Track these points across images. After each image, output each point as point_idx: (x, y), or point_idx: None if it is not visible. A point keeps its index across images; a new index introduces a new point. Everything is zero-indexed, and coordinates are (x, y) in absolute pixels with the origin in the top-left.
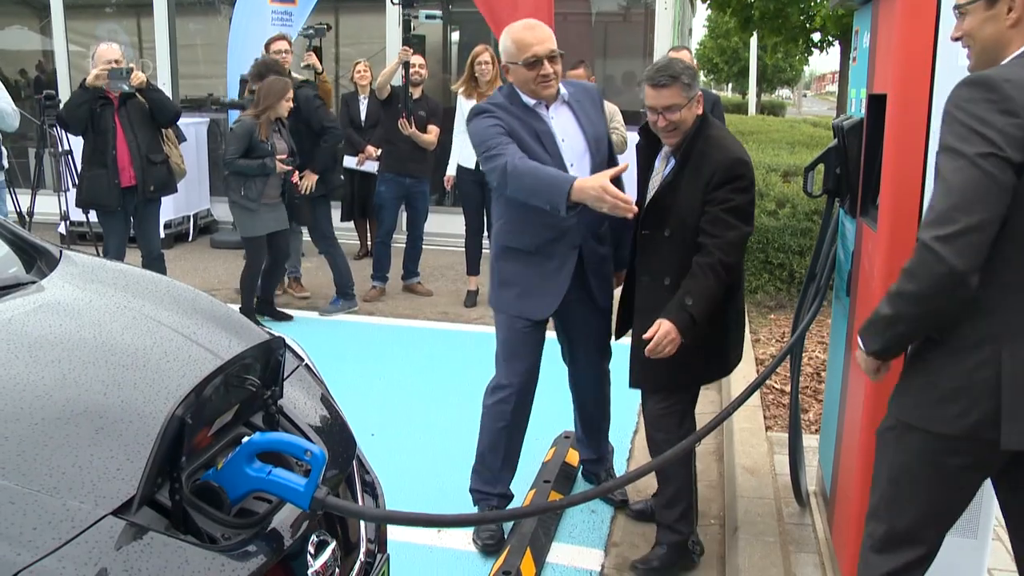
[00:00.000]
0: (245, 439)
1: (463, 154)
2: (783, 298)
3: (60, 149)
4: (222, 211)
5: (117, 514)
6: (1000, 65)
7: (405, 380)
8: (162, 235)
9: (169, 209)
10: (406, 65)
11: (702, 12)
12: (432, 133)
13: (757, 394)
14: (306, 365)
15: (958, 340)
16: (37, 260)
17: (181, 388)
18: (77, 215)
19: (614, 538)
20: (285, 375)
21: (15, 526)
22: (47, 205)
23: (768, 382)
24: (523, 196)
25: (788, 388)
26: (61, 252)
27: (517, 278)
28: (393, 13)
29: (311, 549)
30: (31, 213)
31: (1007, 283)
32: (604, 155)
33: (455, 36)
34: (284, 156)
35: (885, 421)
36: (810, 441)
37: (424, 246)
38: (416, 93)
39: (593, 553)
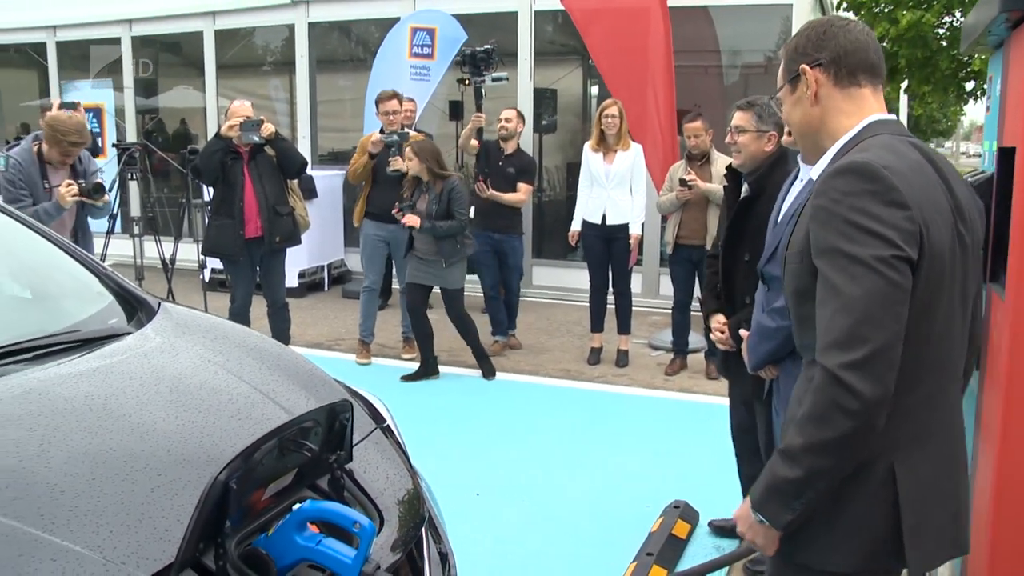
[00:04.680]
0: (296, 507)
1: (587, 209)
2: None
3: (203, 200)
4: (355, 261)
5: None
6: (866, 151)
7: (519, 438)
8: (296, 284)
9: (303, 259)
10: (480, 131)
11: None
12: (522, 191)
13: None
14: (386, 427)
15: None
16: (138, 311)
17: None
18: (217, 263)
19: None
20: (360, 438)
21: None
22: (191, 252)
23: None
24: None
25: None
26: (159, 304)
27: None
28: (525, 68)
29: None
30: (173, 260)
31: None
32: None
33: (595, 90)
34: (416, 216)
35: (775, 565)
36: None
37: (549, 301)
38: (509, 148)
39: None
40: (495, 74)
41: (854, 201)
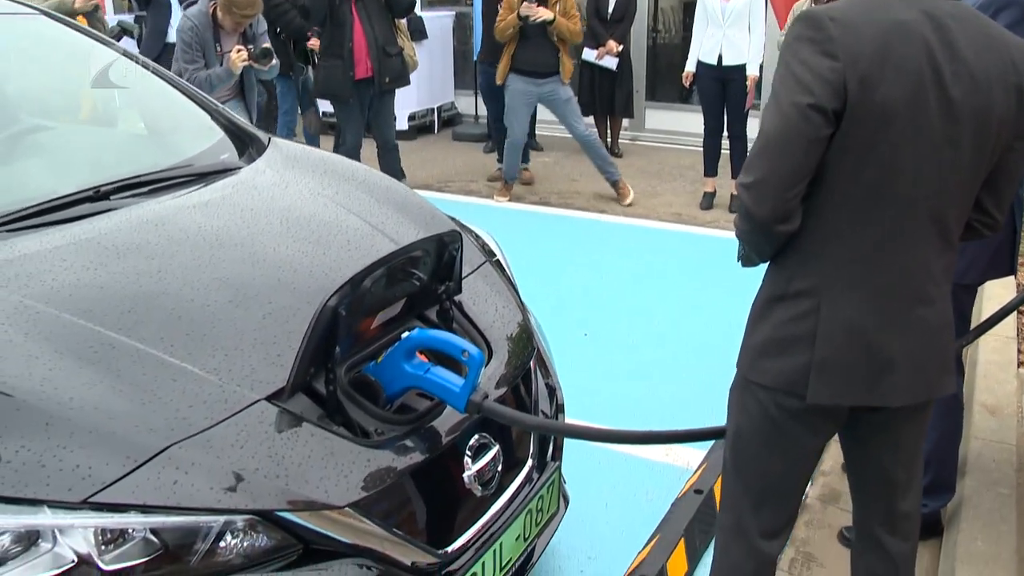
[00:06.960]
0: (404, 335)
1: (703, 49)
2: None
3: None
4: (465, 104)
5: (271, 400)
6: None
7: (630, 281)
8: (406, 127)
9: (413, 101)
10: None
11: None
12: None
13: (1014, 326)
14: (496, 262)
15: (785, 291)
16: (249, 146)
17: None
18: (327, 106)
19: (823, 466)
20: (470, 271)
21: (172, 403)
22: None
23: None
24: None
25: None
26: (269, 139)
27: None
28: None
29: (469, 452)
30: None
31: (828, 233)
32: None
33: None
34: None
35: (734, 380)
36: None
37: (662, 145)
38: None
39: None
40: None
41: (796, 46)
